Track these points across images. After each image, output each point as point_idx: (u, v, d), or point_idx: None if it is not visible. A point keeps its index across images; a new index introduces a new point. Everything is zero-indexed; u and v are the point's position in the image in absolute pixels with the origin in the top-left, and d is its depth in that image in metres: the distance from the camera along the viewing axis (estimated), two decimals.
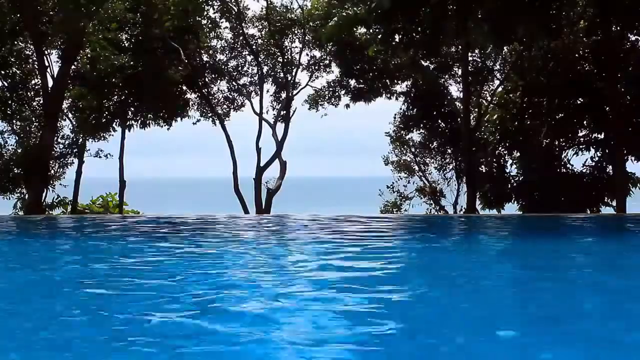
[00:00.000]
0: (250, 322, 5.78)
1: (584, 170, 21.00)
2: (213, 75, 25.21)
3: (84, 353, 4.99)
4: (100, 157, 23.56)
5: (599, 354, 5.01)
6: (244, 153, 25.44)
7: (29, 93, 22.17)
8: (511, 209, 21.41)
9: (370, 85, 23.84)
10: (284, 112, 25.47)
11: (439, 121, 24.06)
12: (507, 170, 22.08)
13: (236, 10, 24.57)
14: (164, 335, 5.38)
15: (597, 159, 20.86)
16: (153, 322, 5.71)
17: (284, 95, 25.53)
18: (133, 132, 23.68)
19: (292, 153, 28.87)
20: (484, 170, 22.23)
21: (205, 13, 24.28)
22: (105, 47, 20.85)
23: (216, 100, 25.50)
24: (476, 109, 22.89)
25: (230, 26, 25.04)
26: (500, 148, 22.48)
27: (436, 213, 24.08)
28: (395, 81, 23.96)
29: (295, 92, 25.50)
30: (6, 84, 21.79)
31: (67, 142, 22.70)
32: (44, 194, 20.93)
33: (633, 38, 20.20)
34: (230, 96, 25.78)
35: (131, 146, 24.95)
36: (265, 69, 25.46)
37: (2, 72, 21.49)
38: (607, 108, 19.73)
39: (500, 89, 23.63)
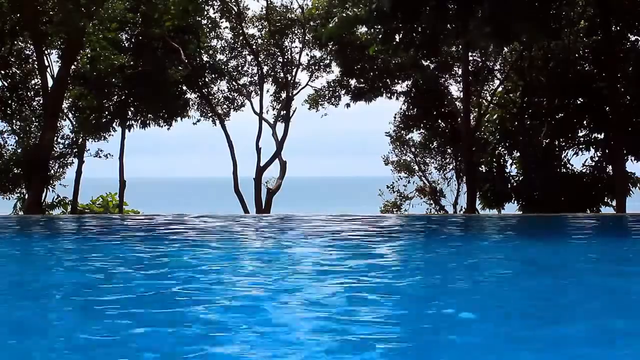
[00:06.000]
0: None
1: (584, 170, 21.02)
2: (213, 75, 25.19)
3: None
4: (100, 157, 23.55)
5: (597, 354, 5.02)
6: (244, 153, 25.47)
7: (29, 93, 22.18)
8: (511, 209, 21.42)
9: (371, 84, 23.82)
10: (284, 112, 25.47)
11: (439, 121, 24.06)
12: (507, 170, 22.09)
13: (236, 10, 24.56)
14: None
15: (597, 159, 20.89)
16: None
17: (284, 95, 25.52)
18: (133, 132, 23.72)
19: (292, 153, 28.92)
20: (484, 170, 22.23)
21: (205, 13, 24.28)
22: (105, 47, 20.84)
23: (216, 100, 25.48)
24: (476, 109, 22.89)
25: (230, 26, 25.04)
26: (500, 148, 22.49)
27: (436, 213, 24.08)
28: (396, 81, 23.94)
29: (295, 92, 25.50)
30: (6, 84, 21.79)
31: (67, 142, 22.69)
32: (44, 194, 20.92)
33: (633, 38, 20.21)
34: (230, 96, 25.77)
35: (131, 146, 24.99)
36: (265, 69, 25.45)
37: (2, 72, 21.51)
38: (607, 108, 19.74)
39: (500, 88, 23.64)
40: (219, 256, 9.76)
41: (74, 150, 22.80)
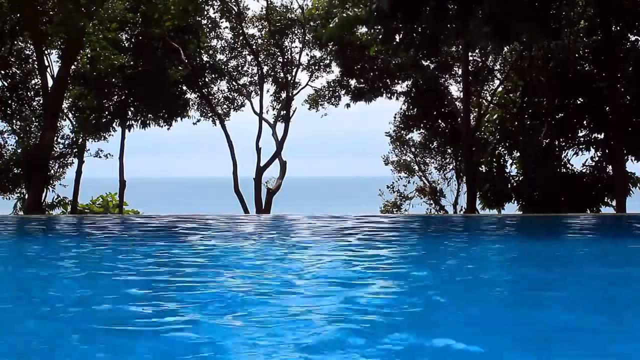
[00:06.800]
0: None
1: (584, 170, 21.02)
2: (213, 75, 25.17)
3: None
4: (100, 157, 23.53)
5: (597, 354, 5.02)
6: (244, 153, 25.45)
7: (29, 93, 22.17)
8: (511, 209, 21.42)
9: (371, 84, 23.82)
10: (284, 112, 25.46)
11: (439, 121, 24.06)
12: (507, 170, 22.09)
13: (236, 10, 24.55)
14: None
15: (597, 159, 20.89)
16: None
17: (284, 95, 25.51)
18: (133, 132, 23.71)
19: (292, 153, 28.92)
20: (484, 170, 22.23)
21: (205, 13, 24.27)
22: (105, 47, 20.83)
23: (216, 100, 25.47)
24: (476, 109, 22.90)
25: (230, 26, 25.02)
26: (500, 148, 22.48)
27: (436, 213, 24.08)
28: (396, 81, 23.94)
29: (295, 92, 25.49)
30: (6, 84, 21.78)
31: (67, 142, 22.67)
32: (44, 194, 20.91)
33: (633, 38, 20.21)
34: (230, 96, 25.75)
35: (131, 146, 24.98)
36: (265, 69, 25.44)
37: (2, 72, 21.49)
38: (607, 108, 19.74)
39: (500, 89, 23.64)
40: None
41: (74, 150, 22.78)
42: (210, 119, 25.23)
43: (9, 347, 5.17)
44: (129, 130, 23.63)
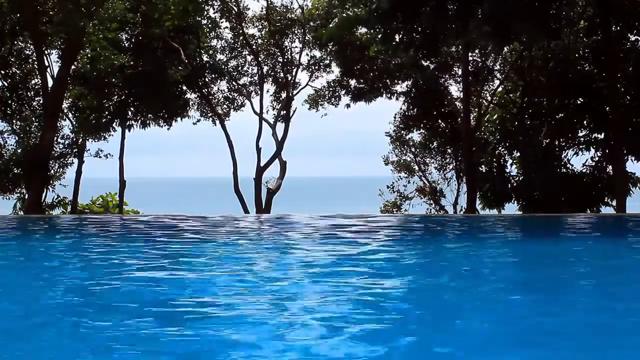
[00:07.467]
0: None
1: (584, 170, 21.02)
2: (213, 75, 25.17)
3: None
4: (100, 157, 23.54)
5: (596, 354, 5.03)
6: (244, 153, 25.45)
7: (29, 93, 22.17)
8: (511, 209, 21.43)
9: (371, 85, 23.83)
10: (284, 112, 25.46)
11: (439, 121, 24.06)
12: (507, 170, 22.10)
13: (236, 10, 24.56)
14: None
15: (597, 159, 20.89)
16: None
17: (284, 95, 25.52)
18: (133, 132, 23.71)
19: (292, 153, 28.93)
20: (484, 170, 22.24)
21: (205, 13, 24.27)
22: (105, 47, 20.84)
23: (216, 100, 25.47)
24: (476, 109, 22.90)
25: (230, 26, 25.03)
26: (500, 148, 22.49)
27: (436, 213, 24.08)
28: (396, 81, 23.94)
29: (295, 92, 25.49)
30: (6, 84, 21.79)
31: (67, 142, 22.68)
32: (44, 194, 20.91)
33: (633, 38, 20.21)
34: (230, 96, 25.75)
35: (131, 146, 24.97)
36: (265, 69, 25.44)
37: (2, 72, 21.50)
38: (607, 108, 19.74)
39: (500, 89, 23.64)
40: None
41: (74, 150, 22.79)
42: (210, 119, 25.24)
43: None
44: (129, 130, 23.64)
